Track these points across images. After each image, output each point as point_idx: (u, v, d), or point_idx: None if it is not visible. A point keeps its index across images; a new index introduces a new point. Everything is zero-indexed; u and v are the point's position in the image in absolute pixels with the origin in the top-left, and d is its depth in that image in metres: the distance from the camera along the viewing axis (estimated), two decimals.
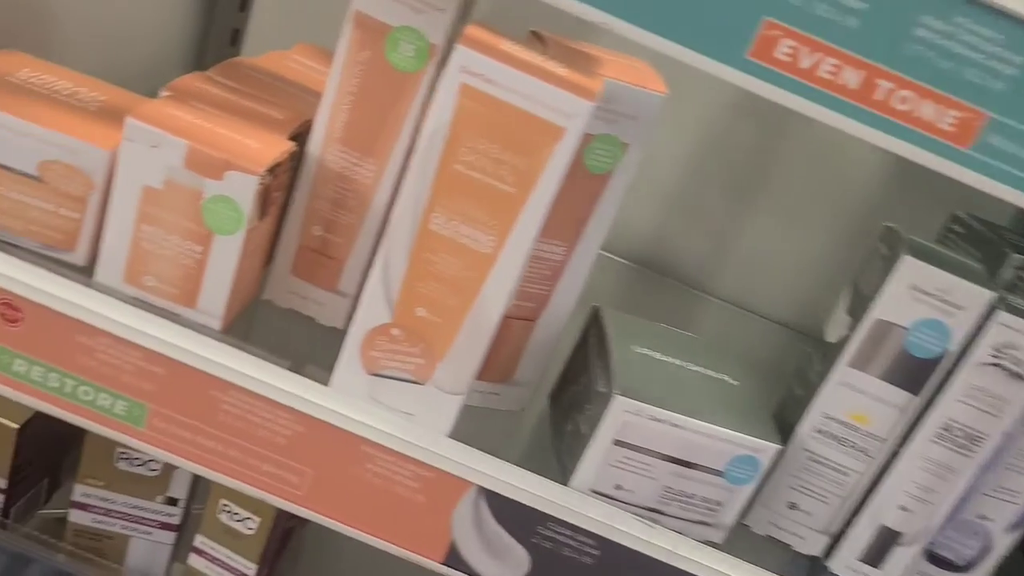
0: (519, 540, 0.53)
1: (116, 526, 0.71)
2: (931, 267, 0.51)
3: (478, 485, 0.52)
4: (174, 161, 0.51)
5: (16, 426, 0.67)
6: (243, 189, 0.51)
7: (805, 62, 0.41)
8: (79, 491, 0.69)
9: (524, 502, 0.52)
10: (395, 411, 0.52)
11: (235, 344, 0.53)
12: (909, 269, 0.51)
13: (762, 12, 0.40)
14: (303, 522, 0.86)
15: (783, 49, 0.41)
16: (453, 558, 0.54)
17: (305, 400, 0.51)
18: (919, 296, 0.51)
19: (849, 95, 0.41)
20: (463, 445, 0.52)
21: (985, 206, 0.68)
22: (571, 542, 0.53)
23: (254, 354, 0.53)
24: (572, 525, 0.52)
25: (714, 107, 0.89)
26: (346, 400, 0.52)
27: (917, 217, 0.71)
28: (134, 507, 0.70)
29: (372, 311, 0.50)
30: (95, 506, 0.70)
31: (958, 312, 0.51)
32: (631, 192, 0.89)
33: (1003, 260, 0.59)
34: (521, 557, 0.53)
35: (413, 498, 0.53)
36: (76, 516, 0.70)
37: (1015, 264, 0.59)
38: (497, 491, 0.52)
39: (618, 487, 0.53)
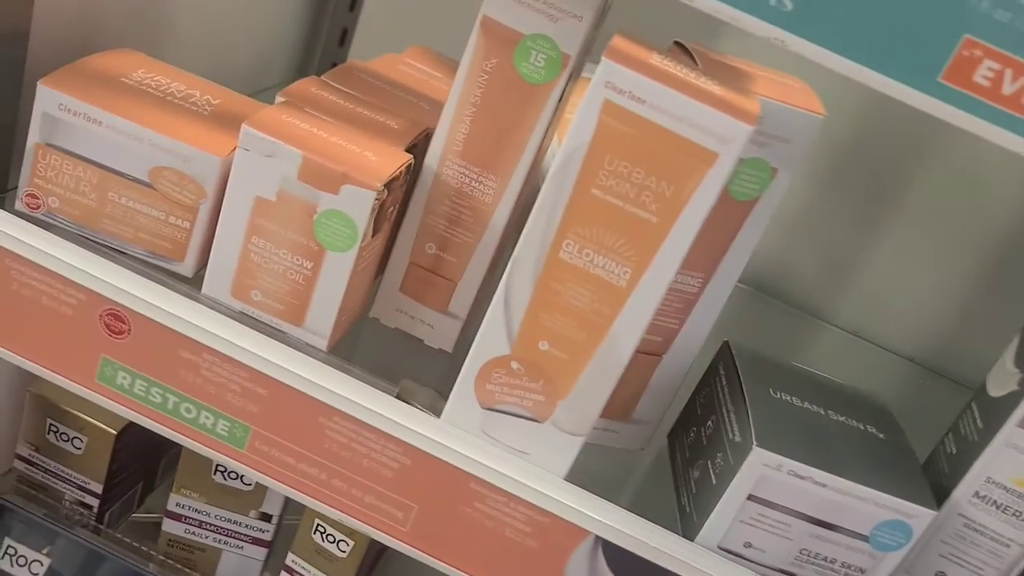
0: None
1: (208, 538, 0.69)
2: None
3: (596, 535, 0.48)
4: (289, 172, 0.48)
5: (114, 432, 0.66)
6: (359, 204, 0.48)
7: (1008, 88, 0.36)
8: (174, 501, 0.68)
9: (645, 556, 0.47)
10: (509, 449, 0.49)
11: (343, 367, 0.50)
12: None
13: (963, 29, 0.35)
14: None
15: (983, 72, 0.36)
16: None
17: (415, 433, 0.48)
18: None
19: None
20: (582, 490, 0.48)
21: None
22: None
23: (362, 379, 0.49)
24: None
25: (847, 125, 0.83)
26: (458, 434, 0.48)
27: None
28: (227, 520, 0.68)
29: (491, 341, 0.46)
30: (189, 517, 0.68)
31: None
32: None
33: None
34: None
35: (524, 543, 0.49)
36: (169, 526, 0.69)
37: None
38: (617, 542, 0.47)
39: (748, 545, 0.48)
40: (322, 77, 0.58)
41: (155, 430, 0.52)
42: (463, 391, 0.48)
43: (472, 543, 0.50)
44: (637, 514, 0.48)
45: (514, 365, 0.46)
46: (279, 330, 0.52)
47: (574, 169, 0.42)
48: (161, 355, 0.50)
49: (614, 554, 0.48)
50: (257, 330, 0.50)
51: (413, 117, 0.56)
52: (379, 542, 0.70)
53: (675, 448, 0.57)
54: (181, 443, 0.52)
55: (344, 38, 0.92)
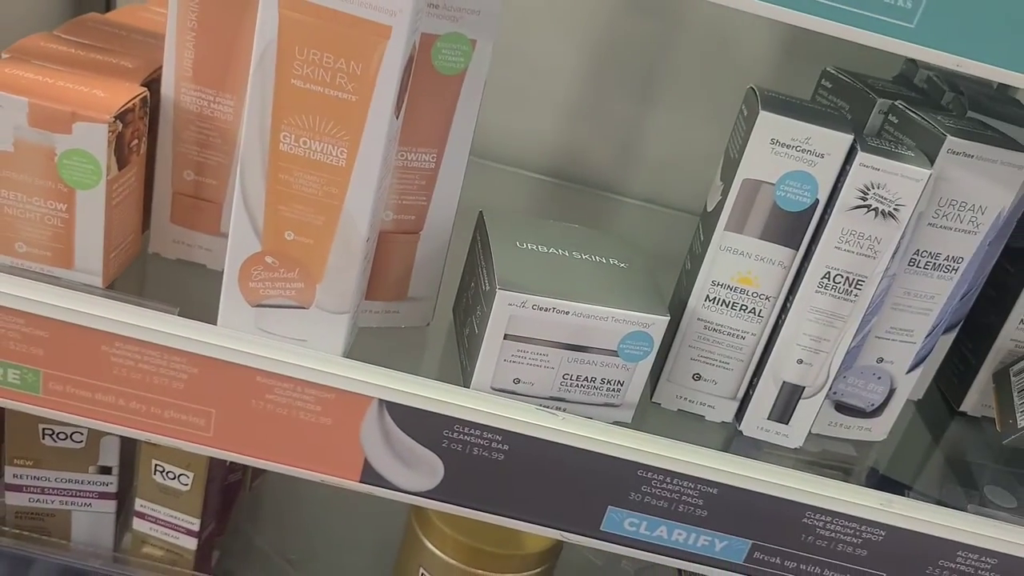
0: (429, 446, 0.53)
1: (54, 503, 0.71)
2: (787, 119, 0.51)
3: (378, 399, 0.52)
4: (19, 120, 0.50)
5: None
6: (95, 139, 0.50)
7: None
8: (10, 473, 0.70)
9: (426, 408, 0.52)
10: (285, 339, 0.53)
11: (116, 297, 0.53)
12: (766, 124, 0.51)
13: None
14: (256, 475, 0.87)
15: None
16: (369, 474, 0.55)
17: (193, 340, 0.51)
18: (780, 150, 0.51)
19: None
20: (356, 362, 0.53)
21: (871, 63, 0.68)
22: (480, 441, 0.53)
23: (138, 304, 0.52)
24: (477, 424, 0.53)
25: (605, 6, 0.88)
26: (234, 334, 0.52)
27: (808, 83, 0.71)
28: (68, 481, 0.70)
29: (242, 242, 0.50)
30: (28, 486, 0.70)
31: (820, 160, 0.52)
32: (534, 103, 0.88)
33: (871, 108, 0.60)
34: (434, 462, 0.54)
35: (319, 422, 0.53)
36: (12, 498, 0.71)
37: (882, 109, 0.59)
38: (398, 401, 0.52)
39: (517, 381, 0.54)
40: (53, 32, 0.59)
41: None
42: (230, 294, 0.51)
43: (273, 433, 0.54)
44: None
45: (268, 259, 0.50)
46: (53, 276, 0.54)
47: (270, 65, 0.45)
48: None
49: (399, 413, 0.53)
50: (29, 279, 0.52)
51: (150, 56, 0.58)
52: (224, 473, 0.74)
53: (456, 318, 0.62)
54: None
55: (110, 3, 0.92)
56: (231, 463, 0.74)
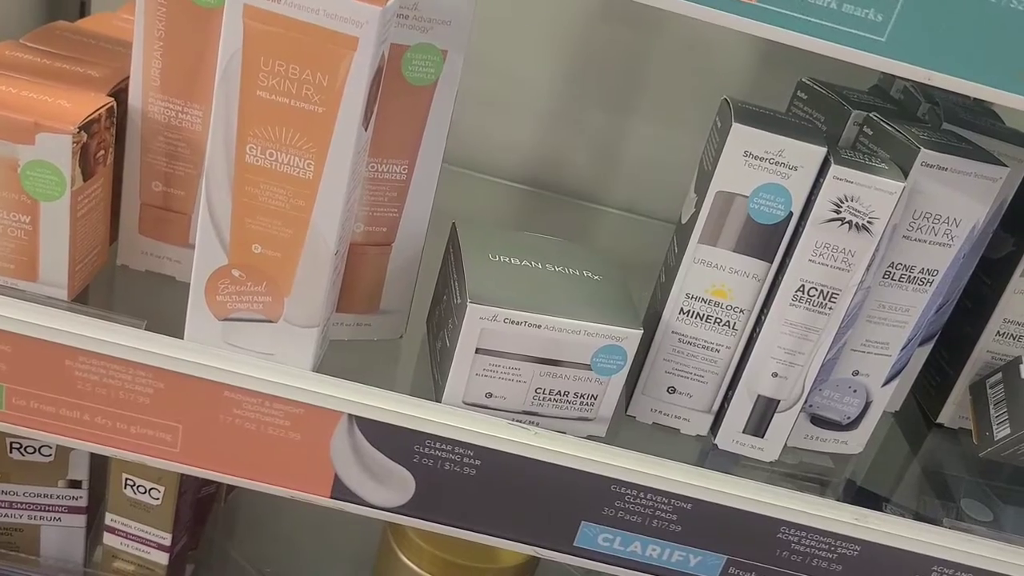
0: (399, 461, 0.53)
1: (23, 517, 0.70)
2: (760, 131, 0.51)
3: (347, 413, 0.52)
4: None
5: None
6: (58, 150, 0.49)
7: None
8: None
9: (396, 423, 0.52)
10: (253, 353, 0.52)
11: (81, 310, 0.52)
12: (739, 136, 0.51)
13: None
14: (231, 488, 0.86)
15: None
16: (339, 490, 0.54)
17: (159, 355, 0.50)
18: (753, 162, 0.51)
19: None
20: (325, 376, 0.52)
21: (847, 74, 0.68)
22: (451, 456, 0.53)
23: (103, 317, 0.52)
24: (448, 439, 0.52)
25: (579, 15, 0.88)
26: (200, 349, 0.51)
27: (784, 94, 0.71)
28: (36, 495, 0.69)
29: (208, 255, 0.49)
30: None
31: (794, 173, 0.51)
32: (510, 112, 0.88)
33: (846, 119, 0.60)
34: (405, 478, 0.53)
35: (288, 437, 0.53)
36: None
37: (856, 121, 0.59)
38: (368, 416, 0.52)
39: (489, 395, 0.53)
40: (20, 40, 0.58)
41: None
42: (196, 307, 0.51)
43: (241, 449, 0.53)
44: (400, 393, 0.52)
45: (235, 272, 0.49)
46: (17, 288, 0.53)
47: (235, 76, 0.45)
48: None
49: (369, 428, 0.52)
50: None
51: (118, 65, 0.58)
52: (196, 487, 0.73)
53: (429, 331, 0.61)
54: None
55: (84, 10, 0.91)
56: None
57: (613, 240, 0.91)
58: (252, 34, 0.44)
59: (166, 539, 0.70)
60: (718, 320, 0.56)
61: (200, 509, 0.77)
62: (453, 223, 0.59)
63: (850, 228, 0.52)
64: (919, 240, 0.54)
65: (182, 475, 0.68)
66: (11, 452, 0.67)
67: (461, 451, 0.53)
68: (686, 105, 0.91)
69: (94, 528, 0.73)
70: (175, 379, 0.51)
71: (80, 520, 0.71)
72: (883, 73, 0.75)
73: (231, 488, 0.85)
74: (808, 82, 0.64)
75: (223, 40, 0.44)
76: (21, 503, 0.69)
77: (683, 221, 0.56)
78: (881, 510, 0.57)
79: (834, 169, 0.51)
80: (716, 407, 0.59)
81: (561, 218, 0.92)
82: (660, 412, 0.59)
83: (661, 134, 0.92)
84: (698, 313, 0.56)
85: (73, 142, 0.49)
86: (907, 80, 0.69)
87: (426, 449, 0.52)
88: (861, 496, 0.62)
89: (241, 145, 0.46)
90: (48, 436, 0.53)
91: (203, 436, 0.53)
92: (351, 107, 0.45)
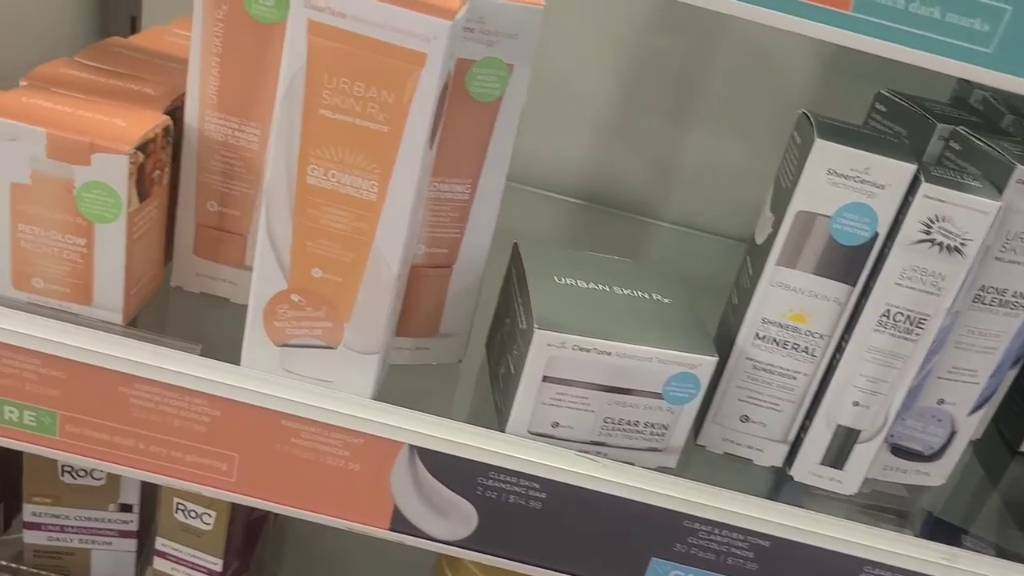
0: (462, 494, 0.51)
1: (73, 541, 0.69)
2: (845, 147, 0.48)
3: (409, 444, 0.49)
4: (36, 152, 0.48)
5: None
6: (115, 171, 0.48)
7: None
8: (28, 511, 0.67)
9: (459, 454, 0.50)
10: (311, 380, 0.50)
11: (136, 335, 0.50)
12: (822, 152, 0.48)
13: None
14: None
15: None
16: (399, 522, 0.52)
17: (215, 382, 0.49)
18: (837, 180, 0.48)
19: None
20: (386, 405, 0.50)
21: (921, 84, 0.65)
22: (516, 489, 0.50)
23: (159, 343, 0.50)
24: (513, 471, 0.50)
25: (636, 28, 0.86)
26: (258, 376, 0.49)
27: (857, 100, 0.68)
28: (87, 519, 0.68)
29: (267, 279, 0.47)
30: (47, 524, 0.68)
31: (880, 191, 0.48)
32: (565, 126, 0.85)
33: (931, 133, 0.57)
34: (467, 511, 0.51)
35: (347, 467, 0.51)
36: (30, 537, 0.68)
37: (942, 135, 0.56)
38: (430, 447, 0.49)
39: (556, 425, 0.51)
40: (74, 57, 0.57)
41: None
42: (254, 333, 0.49)
43: (298, 479, 0.51)
44: (460, 421, 0.50)
45: (295, 298, 0.48)
46: (71, 312, 0.52)
47: (298, 94, 0.43)
48: None
49: (431, 459, 0.50)
50: (49, 317, 0.50)
51: (173, 82, 0.56)
52: (248, 512, 0.72)
53: (490, 355, 0.59)
54: None
55: (135, 26, 0.90)
56: None
57: (669, 255, 0.88)
58: (316, 51, 0.42)
59: (217, 565, 0.68)
60: (796, 346, 0.53)
61: (251, 532, 0.75)
62: (515, 243, 0.57)
63: (940, 250, 0.49)
64: (1012, 262, 0.51)
65: None
66: (63, 475, 0.66)
67: (526, 483, 0.50)
68: (744, 117, 0.88)
69: (144, 552, 0.72)
70: (232, 407, 0.49)
71: (131, 544, 0.70)
72: (959, 82, 0.72)
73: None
74: (887, 94, 0.61)
75: (286, 57, 0.42)
76: (72, 527, 0.68)
77: (758, 242, 0.54)
78: (961, 545, 0.54)
79: (925, 187, 0.48)
80: (792, 437, 0.56)
81: (616, 233, 0.89)
82: (732, 442, 0.56)
83: (718, 147, 0.89)
84: (775, 338, 0.53)
85: (130, 163, 0.48)
86: (987, 89, 0.66)
87: (490, 481, 0.50)
88: (939, 530, 0.59)
89: (303, 166, 0.44)
90: (102, 464, 0.52)
91: (260, 466, 0.51)
92: (417, 125, 0.43)
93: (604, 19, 0.85)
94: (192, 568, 0.69)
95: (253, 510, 0.74)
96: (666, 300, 0.54)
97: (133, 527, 0.69)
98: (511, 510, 0.51)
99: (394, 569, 0.87)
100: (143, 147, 0.49)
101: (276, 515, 0.84)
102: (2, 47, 0.75)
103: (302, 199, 0.45)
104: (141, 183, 0.50)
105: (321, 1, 0.41)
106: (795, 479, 0.56)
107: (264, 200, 0.45)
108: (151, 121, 0.51)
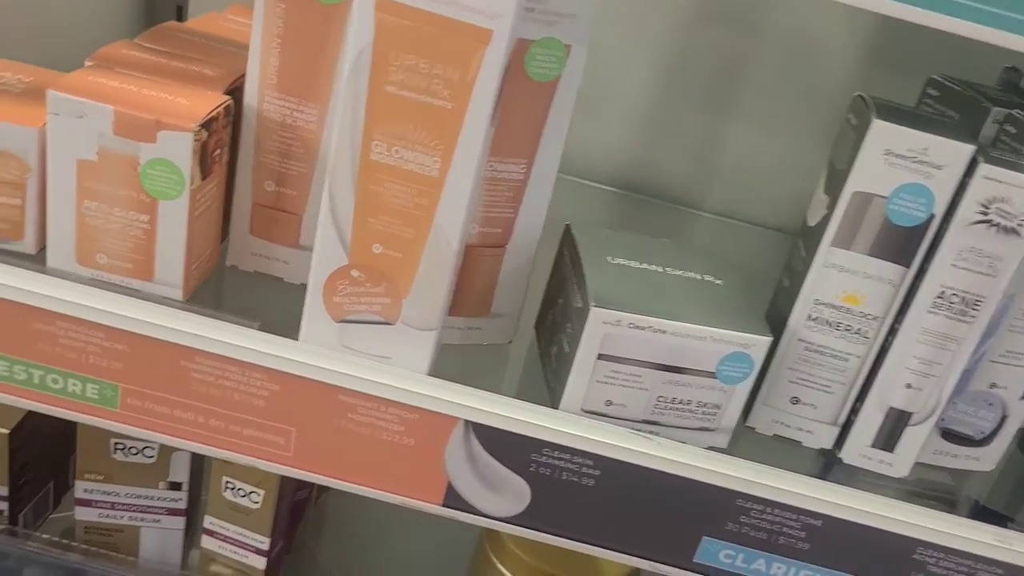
0: (515, 470, 0.51)
1: (123, 518, 0.70)
2: (903, 128, 0.48)
3: (464, 419, 0.50)
4: (103, 129, 0.49)
5: (6, 431, 0.66)
6: (179, 148, 0.49)
7: None
8: (80, 487, 0.69)
9: (513, 430, 0.50)
10: (369, 355, 0.51)
11: (196, 310, 0.51)
12: (880, 133, 0.48)
13: None
14: (322, 491, 0.85)
15: None
16: (452, 498, 0.52)
17: (275, 357, 0.50)
18: (894, 160, 0.48)
19: None
20: (442, 381, 0.50)
21: (966, 73, 0.65)
22: (569, 465, 0.51)
23: (219, 318, 0.51)
24: (567, 448, 0.50)
25: (678, 17, 0.86)
26: (317, 351, 0.50)
27: (899, 90, 0.68)
28: (137, 496, 0.69)
29: (328, 255, 0.48)
30: (98, 501, 0.69)
31: (938, 172, 0.48)
32: (606, 115, 0.86)
33: (984, 117, 0.56)
34: (520, 487, 0.51)
35: (402, 442, 0.51)
36: (81, 513, 0.70)
37: (996, 118, 0.56)
38: (484, 423, 0.50)
39: (609, 403, 0.51)
40: (135, 40, 0.58)
41: (27, 408, 0.52)
42: (314, 309, 0.50)
43: (354, 453, 0.52)
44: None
45: (354, 273, 0.48)
46: (132, 288, 0.53)
47: (364, 70, 0.44)
48: (16, 332, 0.50)
49: (486, 435, 0.50)
50: (109, 291, 0.51)
51: (232, 64, 0.57)
52: (293, 491, 0.73)
53: (540, 336, 0.59)
54: (56, 415, 0.53)
55: (181, 15, 0.91)
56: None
57: (710, 245, 0.88)
58: (383, 27, 0.42)
59: (264, 543, 0.69)
60: (848, 327, 0.53)
61: (296, 513, 0.76)
62: (567, 225, 0.57)
63: (998, 231, 0.49)
64: None
65: (283, 478, 0.67)
66: (115, 452, 0.67)
67: (580, 460, 0.51)
68: (786, 108, 0.88)
69: (191, 531, 0.73)
70: (291, 382, 0.50)
71: (179, 522, 0.71)
72: (1005, 70, 0.72)
73: (322, 490, 0.85)
74: (939, 78, 0.61)
75: (353, 34, 0.43)
76: (123, 504, 0.69)
77: (811, 224, 0.54)
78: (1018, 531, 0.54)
79: (983, 168, 0.48)
80: (842, 419, 0.56)
81: (658, 222, 0.89)
82: (782, 423, 0.56)
83: (760, 137, 0.89)
84: (827, 320, 0.53)
85: (194, 140, 0.49)
86: None
87: (544, 458, 0.51)
88: (985, 516, 0.59)
89: (367, 142, 0.45)
90: (161, 437, 0.53)
91: (317, 440, 0.52)
92: (481, 102, 0.44)
93: (647, 10, 0.86)
94: (239, 546, 0.70)
95: (299, 490, 0.75)
96: (719, 282, 0.55)
97: (182, 505, 0.70)
98: (564, 487, 0.51)
99: (431, 553, 0.87)
100: (206, 125, 0.50)
101: (318, 499, 0.85)
102: (59, 32, 0.76)
103: (365, 175, 0.46)
104: (203, 161, 0.51)
105: None
106: (845, 461, 0.56)
107: (328, 176, 0.46)
108: (213, 100, 0.52)
